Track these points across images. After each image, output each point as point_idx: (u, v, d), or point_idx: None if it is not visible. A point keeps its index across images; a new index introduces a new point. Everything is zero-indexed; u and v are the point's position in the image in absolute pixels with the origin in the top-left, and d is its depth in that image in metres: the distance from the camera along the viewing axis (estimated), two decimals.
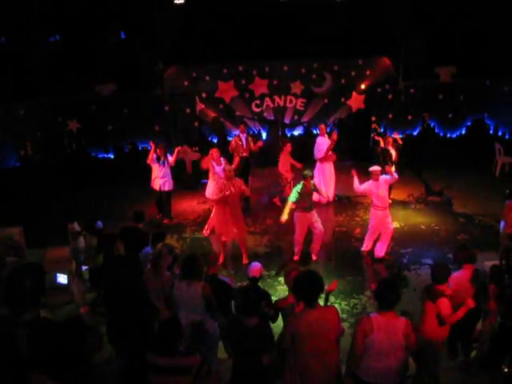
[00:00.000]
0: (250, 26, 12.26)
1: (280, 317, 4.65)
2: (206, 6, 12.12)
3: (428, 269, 7.11)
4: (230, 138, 12.40)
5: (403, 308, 5.37)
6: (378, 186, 7.46)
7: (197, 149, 12.32)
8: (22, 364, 2.75)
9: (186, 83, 13.18)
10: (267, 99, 13.56)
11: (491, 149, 12.39)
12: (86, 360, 3.13)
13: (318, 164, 10.42)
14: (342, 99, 13.66)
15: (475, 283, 4.82)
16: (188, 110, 12.97)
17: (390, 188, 8.60)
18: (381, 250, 7.78)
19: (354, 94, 13.57)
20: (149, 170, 9.69)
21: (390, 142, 9.94)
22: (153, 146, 9.48)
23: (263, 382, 3.99)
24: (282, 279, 6.06)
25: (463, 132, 13.56)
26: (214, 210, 8.28)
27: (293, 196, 7.40)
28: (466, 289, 4.77)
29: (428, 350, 4.39)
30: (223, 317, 4.63)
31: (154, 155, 9.43)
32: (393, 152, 9.85)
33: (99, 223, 7.10)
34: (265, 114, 13.67)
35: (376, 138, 10.27)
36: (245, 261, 7.69)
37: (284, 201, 10.00)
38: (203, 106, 13.22)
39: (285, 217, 7.46)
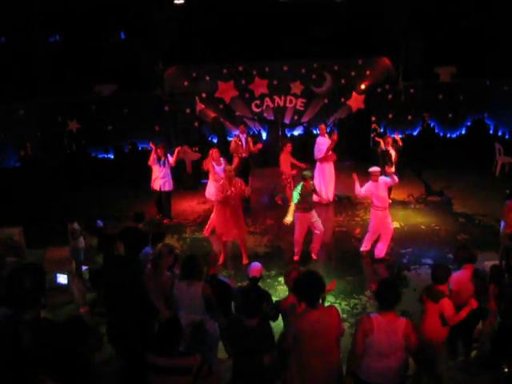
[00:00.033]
0: (250, 26, 12.26)
1: (280, 317, 4.65)
2: (205, 6, 12.12)
3: (428, 269, 7.12)
4: (229, 138, 12.40)
5: (403, 308, 5.36)
6: (377, 186, 7.46)
7: (197, 149, 12.31)
8: (25, 363, 2.75)
9: (185, 83, 13.19)
10: (267, 99, 13.57)
11: (491, 149, 12.39)
12: (86, 360, 3.13)
13: (318, 164, 10.41)
14: (342, 99, 13.67)
15: (475, 283, 4.82)
16: (188, 110, 12.97)
17: (390, 189, 8.61)
18: (381, 251, 7.78)
19: (353, 94, 13.58)
20: (149, 170, 9.69)
21: (390, 142, 9.95)
22: (154, 148, 9.47)
23: (263, 382, 3.99)
24: (282, 279, 6.06)
25: (463, 132, 13.57)
26: (214, 210, 8.27)
27: (295, 198, 7.40)
28: (466, 289, 4.78)
29: (428, 351, 4.39)
30: (223, 317, 4.63)
31: (155, 156, 9.44)
32: (392, 152, 9.85)
33: (99, 222, 7.10)
34: (265, 114, 13.68)
35: (377, 139, 10.25)
36: (245, 261, 7.69)
37: (285, 200, 10.04)
38: (203, 106, 13.23)
39: (290, 219, 7.46)
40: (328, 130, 11.77)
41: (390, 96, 13.34)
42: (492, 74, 12.57)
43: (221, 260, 7.58)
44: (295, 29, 12.41)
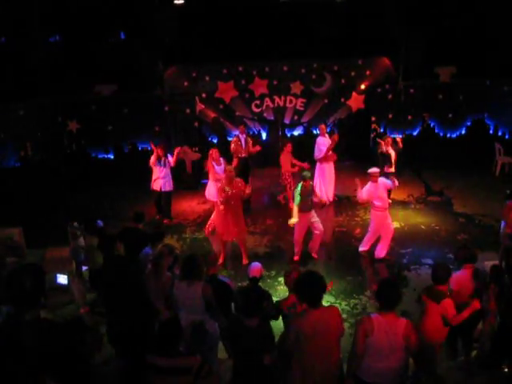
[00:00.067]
0: (250, 26, 12.26)
1: (280, 317, 4.65)
2: (205, 6, 12.12)
3: (428, 269, 7.12)
4: (229, 139, 12.40)
5: (403, 308, 5.36)
6: (377, 187, 7.46)
7: (197, 149, 12.32)
8: (26, 363, 2.75)
9: (185, 83, 13.19)
10: (267, 99, 13.57)
11: (491, 149, 12.39)
12: (86, 360, 3.13)
13: (318, 164, 10.41)
14: (342, 99, 13.67)
15: (476, 283, 4.83)
16: (188, 111, 12.98)
17: (389, 190, 8.61)
18: (381, 251, 7.78)
19: (353, 94, 13.58)
20: (149, 170, 9.68)
21: (390, 142, 9.94)
22: (155, 149, 9.45)
23: (264, 382, 3.99)
24: (282, 279, 6.06)
25: (463, 132, 13.57)
26: (215, 210, 8.27)
27: (296, 200, 7.40)
28: (466, 289, 4.78)
29: (428, 351, 4.39)
30: (223, 317, 4.63)
31: (156, 157, 9.42)
32: (392, 152, 9.84)
33: (99, 222, 7.09)
34: (265, 115, 13.69)
35: (378, 140, 10.23)
36: (245, 261, 7.68)
37: (288, 199, 10.04)
38: (203, 107, 13.23)
39: (295, 220, 7.45)
40: (328, 130, 11.78)
41: (389, 96, 13.35)
42: (492, 74, 12.57)
43: (221, 260, 7.59)
44: (295, 29, 12.42)
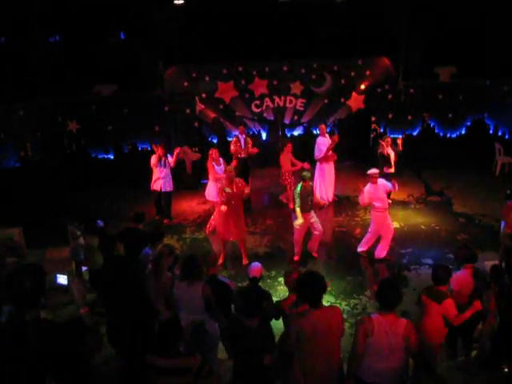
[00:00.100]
0: (250, 26, 12.27)
1: (280, 317, 4.65)
2: (205, 6, 12.12)
3: (428, 269, 7.13)
4: (229, 139, 12.40)
5: (403, 308, 5.36)
6: (376, 188, 7.46)
7: (197, 149, 12.32)
8: (28, 363, 2.76)
9: (185, 83, 13.20)
10: (267, 99, 13.58)
11: (491, 149, 12.39)
12: (86, 360, 3.13)
13: (318, 164, 10.41)
14: (342, 99, 13.68)
15: (476, 283, 4.83)
16: (188, 111, 12.97)
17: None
18: (382, 251, 7.77)
19: (353, 94, 13.59)
20: (149, 170, 9.68)
21: (389, 142, 9.94)
22: (157, 150, 9.43)
23: (264, 382, 3.99)
24: (282, 279, 6.06)
25: (463, 132, 13.57)
26: (216, 210, 8.28)
27: (296, 202, 7.39)
28: (467, 289, 4.79)
29: (428, 351, 4.39)
30: (223, 317, 4.63)
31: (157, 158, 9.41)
32: (391, 152, 9.83)
33: (99, 222, 7.10)
34: (265, 115, 13.69)
35: (379, 141, 10.20)
36: (245, 261, 7.68)
37: (289, 199, 10.03)
38: (203, 107, 13.24)
39: (300, 221, 7.44)
40: (328, 130, 11.78)
41: (389, 96, 13.35)
42: (492, 74, 12.57)
43: (221, 260, 7.59)
44: (295, 29, 12.43)
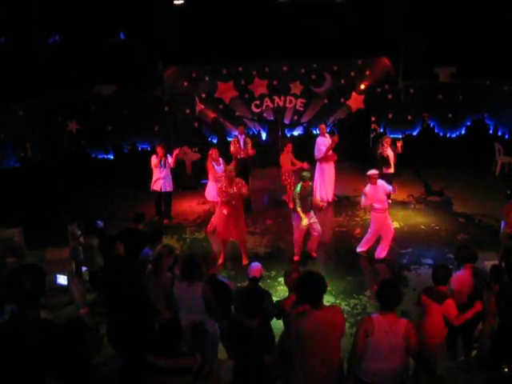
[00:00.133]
0: (250, 26, 12.27)
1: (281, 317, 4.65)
2: (205, 6, 12.13)
3: (428, 269, 7.12)
4: (229, 139, 12.40)
5: (404, 308, 5.36)
6: (376, 189, 7.46)
7: (197, 149, 12.32)
8: (31, 363, 2.76)
9: (185, 84, 13.21)
10: (267, 99, 13.59)
11: (491, 149, 12.39)
12: (86, 361, 3.13)
13: (318, 164, 10.41)
14: (342, 99, 13.68)
15: (476, 282, 4.83)
16: (188, 111, 12.98)
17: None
18: (382, 252, 7.77)
19: (353, 94, 13.59)
20: (149, 170, 9.68)
21: (389, 142, 9.92)
22: (159, 152, 9.41)
23: (264, 382, 3.99)
24: (282, 279, 6.05)
25: (463, 132, 13.57)
26: (216, 210, 8.28)
27: (297, 202, 7.39)
28: (467, 288, 4.79)
29: (428, 351, 4.39)
30: (223, 317, 4.63)
31: (158, 158, 9.40)
32: (390, 153, 9.81)
33: (99, 223, 7.09)
34: (264, 115, 13.70)
35: (381, 141, 10.17)
36: (244, 261, 7.68)
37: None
38: (203, 107, 13.24)
39: (305, 221, 7.43)
40: (328, 130, 11.78)
41: (389, 96, 13.35)
42: (492, 74, 12.57)
43: (221, 260, 7.58)
44: (295, 29, 12.43)
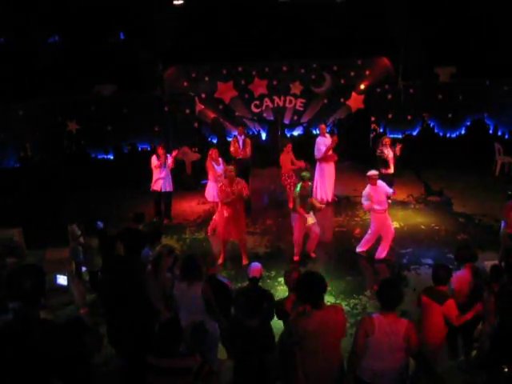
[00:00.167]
0: (250, 27, 12.27)
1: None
2: (205, 6, 12.12)
3: (428, 269, 7.12)
4: (229, 139, 12.40)
5: (403, 308, 5.36)
6: (376, 190, 7.46)
7: (196, 149, 12.32)
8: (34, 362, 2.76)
9: (185, 84, 13.20)
10: (267, 100, 13.58)
11: (491, 149, 12.39)
12: (86, 361, 3.13)
13: (317, 164, 10.40)
14: (342, 99, 13.68)
15: (476, 282, 4.83)
16: (187, 111, 12.97)
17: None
18: (382, 252, 7.77)
19: (353, 94, 13.59)
20: (149, 171, 9.67)
21: (388, 142, 9.92)
22: (160, 153, 9.40)
23: (264, 382, 3.99)
24: (282, 279, 6.05)
25: (463, 132, 13.57)
26: (217, 210, 8.28)
27: (298, 201, 7.38)
28: (467, 288, 4.79)
29: (428, 351, 4.39)
30: (223, 317, 4.63)
31: (157, 158, 9.39)
32: (390, 153, 9.80)
33: (99, 223, 7.09)
34: (264, 115, 13.70)
35: (381, 141, 10.16)
36: (244, 262, 7.67)
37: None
38: (203, 107, 13.24)
39: (311, 219, 7.43)
40: (328, 130, 11.78)
41: (389, 96, 13.34)
42: (492, 74, 12.57)
43: (221, 260, 7.59)
44: (295, 29, 12.42)
